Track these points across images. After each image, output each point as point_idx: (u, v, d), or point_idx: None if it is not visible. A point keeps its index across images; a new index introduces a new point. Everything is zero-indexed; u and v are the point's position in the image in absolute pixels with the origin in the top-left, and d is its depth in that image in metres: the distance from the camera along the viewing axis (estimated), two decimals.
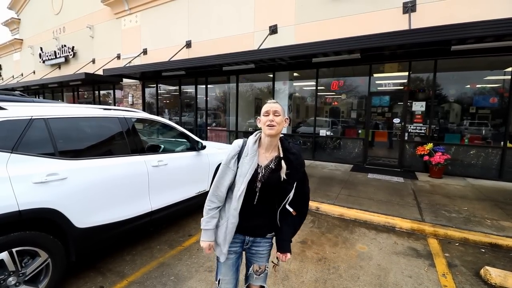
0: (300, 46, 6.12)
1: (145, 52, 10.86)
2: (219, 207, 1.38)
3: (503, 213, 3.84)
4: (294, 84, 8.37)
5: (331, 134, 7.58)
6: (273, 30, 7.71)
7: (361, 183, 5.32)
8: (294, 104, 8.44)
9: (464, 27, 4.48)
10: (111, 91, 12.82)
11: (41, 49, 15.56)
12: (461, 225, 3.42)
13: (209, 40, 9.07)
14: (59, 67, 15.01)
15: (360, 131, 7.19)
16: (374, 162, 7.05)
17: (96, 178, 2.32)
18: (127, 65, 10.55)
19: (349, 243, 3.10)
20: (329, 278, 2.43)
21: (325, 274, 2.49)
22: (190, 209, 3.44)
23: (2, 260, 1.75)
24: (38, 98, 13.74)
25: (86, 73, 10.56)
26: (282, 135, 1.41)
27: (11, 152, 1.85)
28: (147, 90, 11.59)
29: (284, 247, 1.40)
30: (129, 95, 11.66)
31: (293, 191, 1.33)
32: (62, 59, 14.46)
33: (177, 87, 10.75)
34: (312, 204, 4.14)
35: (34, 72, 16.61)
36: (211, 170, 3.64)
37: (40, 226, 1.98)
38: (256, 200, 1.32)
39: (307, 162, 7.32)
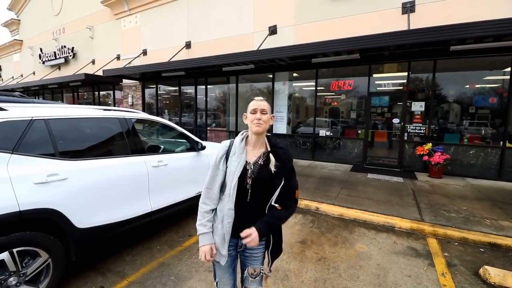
0: (299, 47, 6.14)
1: (145, 52, 10.87)
2: (213, 209, 1.37)
3: (502, 212, 3.85)
4: (294, 84, 8.38)
5: (331, 134, 7.59)
6: (273, 30, 7.73)
7: (361, 183, 5.33)
8: (293, 104, 8.45)
9: (463, 27, 4.49)
10: (111, 92, 12.83)
11: (41, 50, 15.57)
12: (460, 224, 3.42)
13: (209, 41, 9.08)
14: (59, 68, 15.02)
15: (359, 131, 7.20)
16: (374, 162, 7.06)
17: (96, 179, 2.32)
18: (127, 65, 10.56)
19: (349, 243, 3.10)
20: (328, 277, 2.44)
21: (325, 273, 2.50)
22: (190, 210, 3.45)
23: (3, 260, 1.76)
24: (38, 99, 13.73)
25: (86, 74, 10.56)
26: (269, 134, 1.44)
27: (12, 153, 1.86)
28: (147, 91, 11.60)
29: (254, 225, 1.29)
30: (129, 95, 11.67)
31: (281, 186, 1.31)
32: (62, 60, 14.47)
33: (177, 88, 10.76)
34: (312, 204, 4.15)
35: (34, 73, 16.62)
36: None
37: (40, 226, 1.98)
38: (249, 197, 1.31)
39: (306, 162, 7.36)
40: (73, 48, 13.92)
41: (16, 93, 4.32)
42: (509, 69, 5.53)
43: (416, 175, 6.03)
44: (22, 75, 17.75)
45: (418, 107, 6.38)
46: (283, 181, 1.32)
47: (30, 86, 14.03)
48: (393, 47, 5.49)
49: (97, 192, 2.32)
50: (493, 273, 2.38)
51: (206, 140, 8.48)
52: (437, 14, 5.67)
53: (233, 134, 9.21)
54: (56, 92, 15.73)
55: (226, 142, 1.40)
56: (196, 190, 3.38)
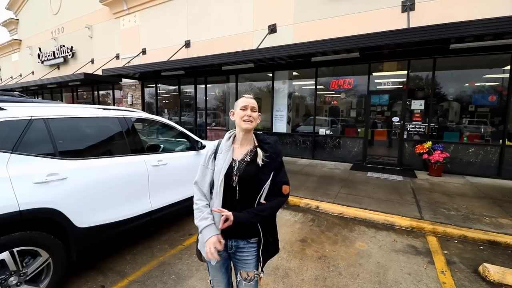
0: (299, 45, 6.13)
1: (144, 52, 10.85)
2: (208, 204, 1.37)
3: (501, 210, 3.86)
4: (294, 83, 8.38)
5: (331, 133, 7.59)
6: (272, 29, 7.71)
7: (361, 182, 5.34)
8: (293, 103, 8.45)
9: (463, 26, 4.49)
10: (110, 91, 12.81)
11: (40, 49, 15.52)
12: (460, 222, 3.43)
13: (208, 40, 9.06)
14: (58, 68, 14.98)
15: (359, 130, 7.20)
16: (374, 160, 7.07)
17: (96, 178, 2.32)
18: (126, 65, 10.54)
19: (349, 241, 3.11)
20: (329, 275, 2.44)
21: (325, 272, 2.50)
22: (190, 209, 3.40)
23: (3, 260, 1.76)
24: (37, 98, 13.73)
25: (85, 73, 10.54)
26: (259, 132, 1.44)
27: (11, 152, 1.86)
28: (146, 90, 11.59)
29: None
30: (129, 95, 11.66)
31: (269, 181, 1.28)
32: (61, 60, 14.44)
33: (176, 87, 10.75)
34: (312, 203, 4.16)
35: (32, 73, 16.58)
36: None
37: (41, 226, 1.98)
38: (237, 195, 1.30)
39: (306, 161, 7.36)
40: (72, 47, 13.88)
41: (15, 92, 4.32)
42: (508, 67, 5.52)
43: (416, 173, 6.04)
44: (21, 75, 17.71)
45: (417, 105, 6.38)
46: (271, 177, 1.29)
47: (29, 86, 14.01)
48: (393, 46, 5.47)
49: (97, 192, 2.32)
50: (492, 270, 2.39)
51: (206, 139, 8.48)
52: (436, 12, 5.66)
53: None
54: (55, 92, 15.71)
55: (215, 142, 1.42)
56: None
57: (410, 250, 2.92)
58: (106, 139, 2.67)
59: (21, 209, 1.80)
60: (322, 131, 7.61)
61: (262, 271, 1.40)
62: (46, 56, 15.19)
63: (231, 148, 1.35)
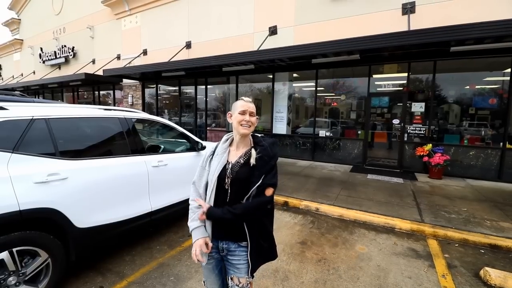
0: (299, 47, 6.14)
1: (145, 52, 10.87)
2: None
3: (502, 214, 3.85)
4: (294, 85, 8.39)
5: (331, 135, 7.59)
6: (273, 31, 7.73)
7: (361, 184, 5.33)
8: (293, 105, 8.45)
9: (464, 28, 4.50)
10: (111, 92, 12.82)
11: (41, 49, 15.57)
12: (460, 226, 3.42)
13: (209, 41, 9.09)
14: (59, 68, 15.02)
15: (359, 132, 7.20)
16: (374, 163, 7.06)
17: (97, 178, 2.32)
18: (127, 65, 10.57)
19: (349, 244, 3.10)
20: (329, 278, 2.43)
21: (325, 274, 2.49)
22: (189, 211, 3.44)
23: (3, 260, 1.75)
24: (38, 98, 13.75)
25: (86, 74, 10.56)
26: (257, 135, 1.44)
27: (12, 152, 1.86)
28: (147, 91, 11.60)
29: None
30: (129, 95, 11.67)
31: (258, 183, 1.25)
32: (62, 60, 14.47)
33: (177, 88, 10.77)
34: (312, 205, 4.15)
35: (34, 72, 16.62)
36: None
37: (40, 226, 1.98)
38: (228, 197, 1.29)
39: (306, 162, 7.36)
40: (73, 47, 13.92)
41: (16, 92, 4.32)
42: (509, 70, 5.53)
43: (416, 176, 6.03)
44: (22, 74, 17.74)
45: (418, 108, 6.38)
46: (261, 180, 1.26)
47: (30, 86, 14.04)
48: (393, 48, 5.49)
49: (97, 192, 2.32)
50: (493, 274, 2.38)
51: (206, 140, 8.47)
52: (437, 15, 5.68)
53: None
54: (56, 92, 15.72)
55: (214, 144, 1.44)
56: None
57: (411, 254, 2.91)
58: (107, 140, 2.66)
59: (21, 209, 1.80)
60: (322, 133, 7.60)
61: (250, 275, 1.34)
62: (47, 56, 15.23)
63: (227, 151, 1.36)
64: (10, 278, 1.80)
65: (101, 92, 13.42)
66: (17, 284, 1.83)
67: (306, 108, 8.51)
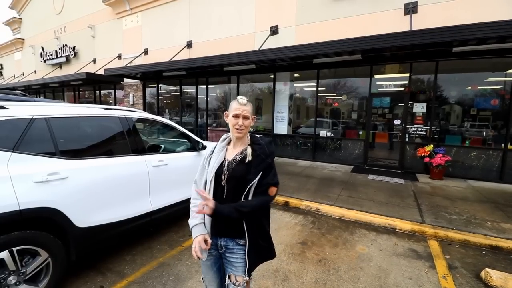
0: (301, 47, 6.13)
1: (146, 52, 10.87)
2: None
3: (503, 215, 3.83)
4: (295, 84, 8.37)
5: (332, 135, 7.58)
6: (274, 30, 7.72)
7: (362, 184, 5.31)
8: (294, 104, 8.44)
9: (466, 29, 4.47)
10: (112, 91, 12.83)
11: (42, 48, 15.59)
12: (461, 227, 3.41)
13: (210, 41, 9.08)
14: (60, 67, 15.03)
15: (360, 132, 7.18)
16: (375, 163, 7.04)
17: (97, 178, 2.32)
18: (128, 65, 10.57)
19: (350, 244, 3.09)
20: (329, 279, 2.43)
21: (325, 275, 2.49)
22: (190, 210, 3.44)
23: (3, 259, 1.75)
24: (39, 97, 13.75)
25: (87, 73, 10.57)
26: (255, 134, 1.47)
27: (12, 151, 1.86)
28: (148, 90, 11.60)
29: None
30: (130, 95, 11.68)
31: (255, 181, 1.27)
32: (63, 59, 14.49)
33: (177, 87, 10.76)
34: (313, 205, 4.14)
35: (35, 72, 16.64)
36: None
37: (40, 225, 1.98)
38: (225, 194, 1.32)
39: (307, 163, 7.35)
40: (74, 47, 13.93)
41: (17, 91, 4.32)
42: (511, 70, 5.50)
43: (417, 176, 6.01)
44: (23, 74, 17.77)
45: (419, 108, 6.36)
46: (258, 177, 1.28)
47: (31, 85, 14.06)
48: (395, 48, 5.47)
49: (98, 191, 2.32)
50: (494, 276, 2.37)
51: (207, 140, 8.48)
52: (439, 15, 5.65)
53: None
54: (57, 91, 15.75)
55: (213, 144, 1.48)
56: None
57: (411, 254, 2.90)
58: (107, 139, 2.66)
59: (21, 208, 1.80)
60: (323, 133, 7.59)
61: (248, 274, 1.35)
62: (48, 55, 15.25)
63: (225, 149, 1.41)
64: (10, 278, 1.80)
65: (102, 92, 13.43)
66: (17, 283, 1.83)
67: (307, 108, 8.50)
